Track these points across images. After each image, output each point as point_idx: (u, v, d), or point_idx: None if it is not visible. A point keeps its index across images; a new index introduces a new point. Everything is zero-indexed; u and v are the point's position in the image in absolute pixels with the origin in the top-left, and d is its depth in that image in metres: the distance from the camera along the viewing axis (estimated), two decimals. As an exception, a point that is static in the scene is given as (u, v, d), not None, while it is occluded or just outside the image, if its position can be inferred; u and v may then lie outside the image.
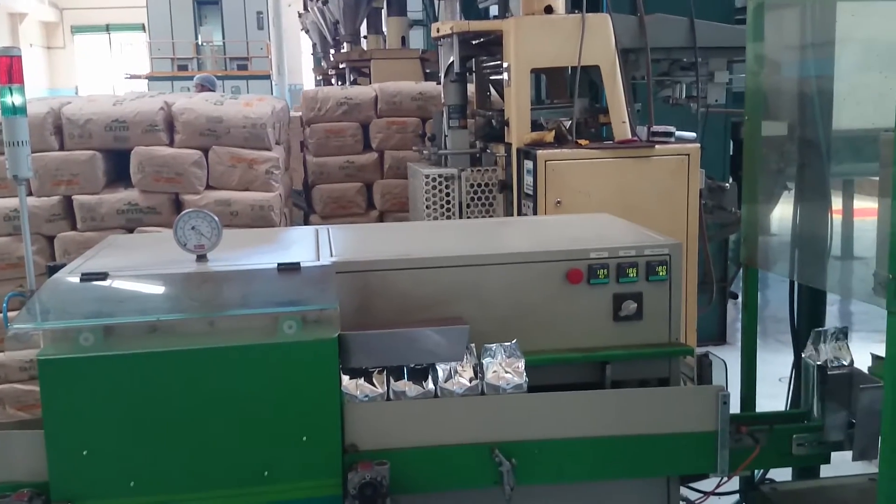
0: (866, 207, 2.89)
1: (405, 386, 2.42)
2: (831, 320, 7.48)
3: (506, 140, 4.96)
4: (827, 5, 2.98)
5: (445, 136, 5.54)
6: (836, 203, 3.01)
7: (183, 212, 2.58)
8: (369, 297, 2.61)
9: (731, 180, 5.46)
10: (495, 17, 7.13)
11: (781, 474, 3.21)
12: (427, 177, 5.27)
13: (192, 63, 25.43)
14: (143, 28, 28.03)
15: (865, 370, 2.73)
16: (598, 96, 5.27)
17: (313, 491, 2.29)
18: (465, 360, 2.47)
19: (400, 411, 2.40)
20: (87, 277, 2.46)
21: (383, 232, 3.81)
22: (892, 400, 2.35)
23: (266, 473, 2.27)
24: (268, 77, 24.42)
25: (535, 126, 4.94)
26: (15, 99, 2.93)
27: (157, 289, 2.49)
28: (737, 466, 2.57)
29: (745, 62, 3.29)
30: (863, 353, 2.86)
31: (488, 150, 5.43)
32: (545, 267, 2.70)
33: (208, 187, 5.26)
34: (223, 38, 26.06)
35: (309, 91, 7.23)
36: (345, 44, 12.82)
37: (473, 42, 5.38)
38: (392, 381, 2.43)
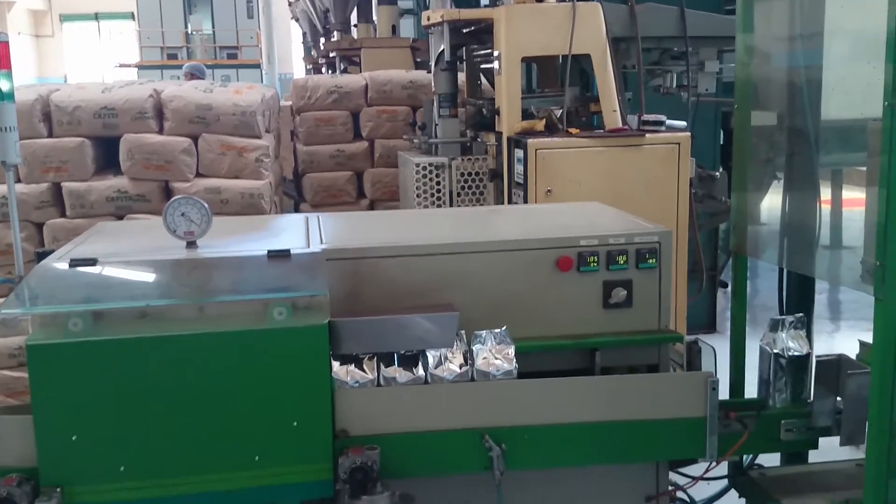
0: (855, 198, 2.90)
1: (395, 372, 2.43)
2: (820, 309, 7.55)
3: (496, 129, 4.96)
4: (816, -5, 2.98)
5: (436, 124, 5.54)
6: (825, 193, 3.03)
7: (172, 198, 2.58)
8: (359, 285, 2.61)
9: (721, 169, 5.48)
10: (486, 6, 7.13)
11: (770, 460, 3.23)
12: (417, 165, 5.26)
13: (181, 52, 25.28)
14: (132, 16, 27.84)
15: (854, 357, 2.75)
16: (588, 85, 5.27)
17: (304, 476, 2.30)
18: (455, 346, 2.47)
19: (390, 397, 2.40)
20: (75, 263, 2.45)
21: (373, 220, 3.81)
22: (879, 386, 2.37)
23: (257, 458, 2.27)
24: (258, 66, 24.30)
25: (526, 115, 4.94)
26: (2, 84, 2.93)
27: (147, 275, 2.48)
28: (725, 452, 2.60)
29: (735, 52, 3.30)
30: (851, 340, 2.87)
31: (479, 139, 5.43)
32: (535, 254, 2.70)
33: (198, 175, 5.24)
34: (213, 26, 25.91)
35: (299, 79, 7.21)
36: (335, 32, 12.78)
37: (464, 30, 5.37)
38: (382, 367, 2.43)
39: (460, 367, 2.44)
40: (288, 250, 2.54)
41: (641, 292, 2.75)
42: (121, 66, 25.66)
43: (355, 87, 6.89)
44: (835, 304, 8.08)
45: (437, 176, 5.27)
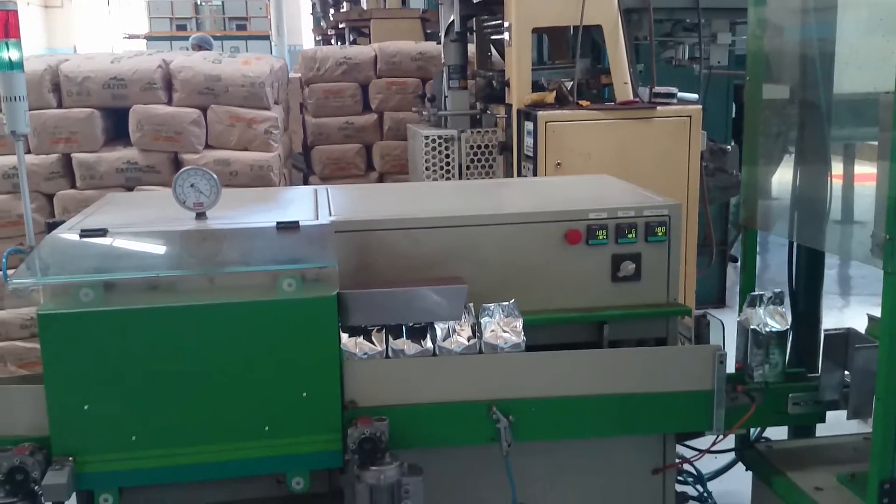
0: (866, 173, 2.88)
1: (404, 344, 2.44)
2: (830, 284, 7.53)
3: (506, 101, 4.93)
4: (830, -34, 2.95)
5: (445, 96, 5.51)
6: (837, 167, 3.01)
7: (182, 169, 2.58)
8: (368, 257, 2.62)
9: (732, 143, 5.44)
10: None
11: (777, 433, 3.24)
12: (427, 138, 5.25)
13: (190, 23, 25.15)
14: (141, -14, 27.68)
15: (862, 331, 2.75)
16: (599, 57, 5.23)
17: (313, 446, 2.32)
18: (463, 319, 2.48)
19: (399, 369, 2.42)
20: (86, 234, 2.46)
21: (382, 192, 3.81)
22: (887, 360, 2.37)
23: (266, 428, 2.29)
24: (267, 37, 24.17)
25: (536, 87, 4.91)
26: (11, 54, 2.92)
27: (157, 246, 2.49)
28: (732, 425, 2.60)
29: (748, 24, 3.26)
30: (861, 316, 2.87)
31: (488, 112, 5.41)
32: (544, 227, 2.70)
33: (207, 147, 5.25)
34: (222, -3, 25.74)
35: (308, 50, 7.18)
36: (344, 3, 12.70)
37: (474, 1, 5.32)
38: (391, 339, 2.44)
39: (468, 339, 2.45)
40: (297, 222, 2.54)
41: (650, 266, 2.74)
42: (130, 36, 25.56)
43: (364, 58, 6.85)
44: (845, 279, 8.06)
45: (447, 149, 5.26)
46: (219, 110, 5.22)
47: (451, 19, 5.24)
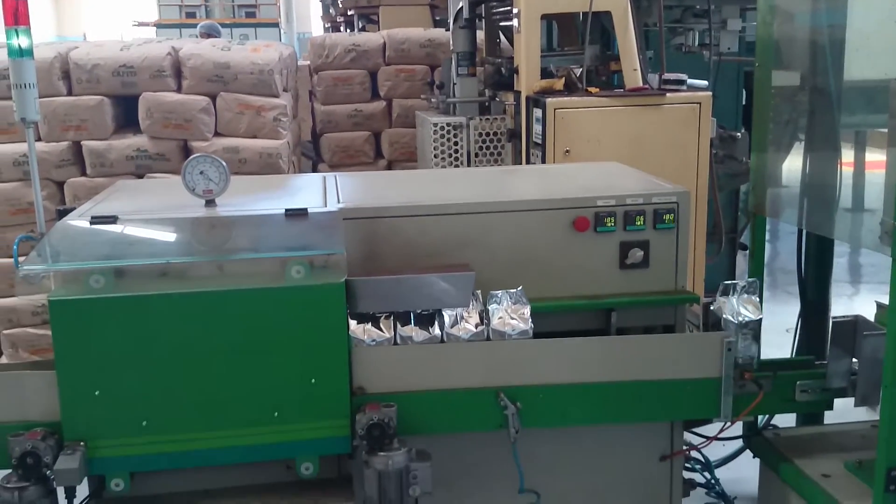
0: (876, 160, 2.87)
1: (412, 331, 2.45)
2: (840, 272, 7.51)
3: (515, 88, 4.91)
4: (841, -49, 2.93)
5: (454, 83, 5.50)
6: (847, 154, 2.99)
7: (191, 157, 2.59)
8: (376, 244, 2.62)
9: (742, 130, 5.41)
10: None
11: (785, 420, 3.25)
12: (435, 125, 5.24)
13: (200, 10, 25.12)
14: (150, -26, 27.63)
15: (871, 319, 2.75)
16: (609, 43, 5.21)
17: (322, 432, 2.33)
18: (471, 306, 2.49)
19: (407, 356, 2.43)
20: (96, 221, 2.47)
21: (390, 179, 3.82)
22: (894, 347, 2.37)
23: (276, 414, 2.30)
24: (276, 25, 24.14)
25: (545, 74, 4.89)
26: (21, 41, 2.93)
27: (167, 233, 2.50)
28: (740, 412, 2.60)
29: (758, 10, 3.25)
30: (871, 304, 2.86)
31: (497, 99, 5.39)
32: (552, 214, 2.70)
33: (216, 134, 5.26)
34: (231, -16, 25.69)
35: (316, 37, 7.17)
36: (353, -10, 12.64)
37: (483, -13, 5.31)
38: (399, 326, 2.45)
39: (476, 326, 2.46)
40: (305, 209, 2.55)
41: (658, 253, 2.74)
42: (139, 24, 25.56)
43: (373, 45, 6.84)
44: (855, 267, 8.03)
45: (455, 136, 5.25)
46: (228, 98, 5.22)
47: (460, 6, 5.22)
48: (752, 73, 3.33)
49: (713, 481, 3.13)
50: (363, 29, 10.59)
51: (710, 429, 2.76)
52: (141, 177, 5.15)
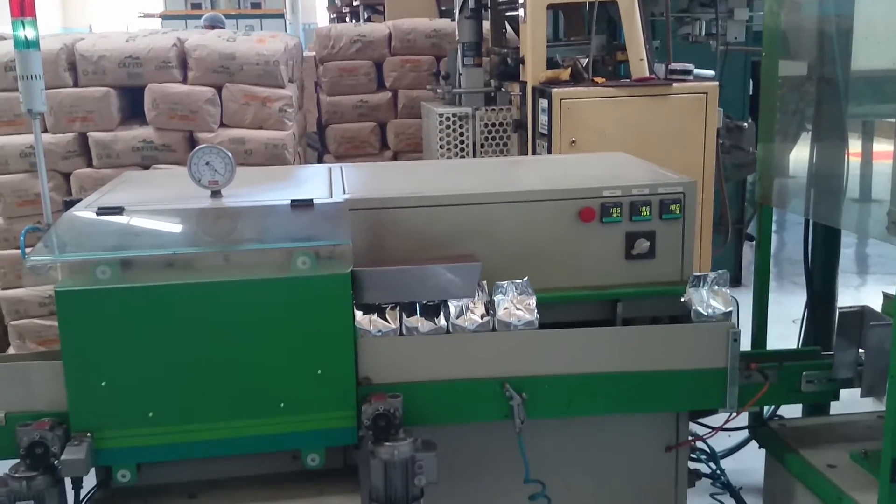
0: (884, 150, 2.86)
1: (417, 322, 2.45)
2: (847, 263, 7.49)
3: (521, 78, 4.91)
4: (849, -60, 2.91)
5: (460, 74, 5.49)
6: (854, 145, 2.98)
7: (197, 147, 2.59)
8: (382, 235, 2.62)
9: (749, 120, 5.40)
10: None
11: (791, 411, 3.24)
12: (441, 116, 5.24)
13: (205, 1, 25.04)
14: (155, -35, 27.59)
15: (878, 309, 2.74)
16: (615, 33, 5.19)
17: (328, 422, 2.33)
18: (476, 296, 2.49)
19: (412, 346, 2.43)
20: (103, 211, 2.48)
21: (396, 170, 3.82)
22: (902, 338, 2.35)
23: (282, 405, 2.31)
24: (281, 16, 24.10)
25: (551, 64, 4.88)
26: (27, 32, 2.93)
27: (173, 223, 2.51)
28: (746, 403, 2.60)
29: (765, -1, 3.23)
30: (878, 295, 2.85)
31: (503, 89, 5.38)
32: (558, 205, 2.69)
33: (222, 125, 5.26)
34: (237, -25, 25.65)
35: (322, 28, 7.17)
36: (359, -20, 12.61)
37: (489, -22, 5.30)
38: (405, 316, 2.45)
39: (482, 317, 2.46)
40: (311, 200, 2.55)
41: (665, 243, 2.74)
42: (144, 15, 25.55)
43: (378, 36, 6.83)
44: (862, 258, 8.01)
45: (461, 127, 5.25)
46: (233, 89, 5.22)
47: (466, -4, 5.21)
48: (759, 62, 3.31)
49: (718, 472, 3.12)
50: (369, 19, 10.58)
51: (716, 419, 2.76)
52: (147, 168, 5.16)
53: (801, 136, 3.24)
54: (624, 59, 4.87)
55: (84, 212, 2.53)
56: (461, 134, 5.25)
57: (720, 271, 2.62)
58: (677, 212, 2.72)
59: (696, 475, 2.91)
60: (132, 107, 5.34)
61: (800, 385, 2.70)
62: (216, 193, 2.61)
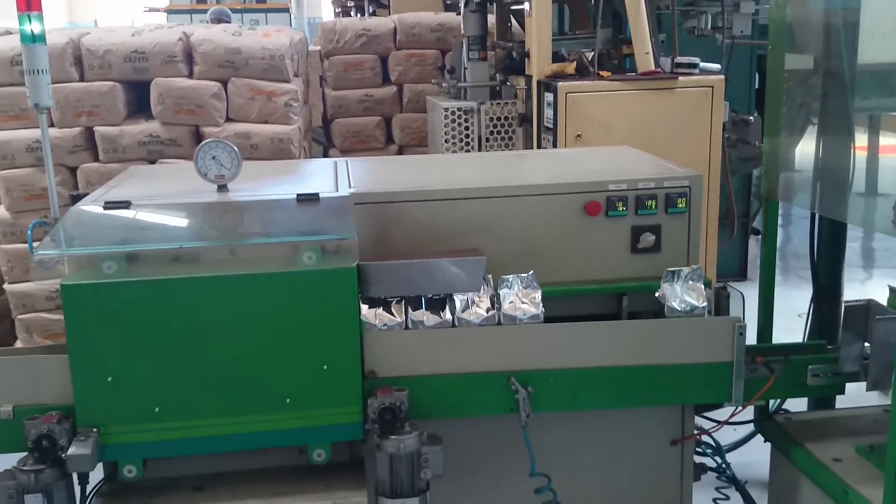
0: (890, 144, 2.85)
1: (423, 316, 2.45)
2: (853, 257, 7.49)
3: (526, 72, 4.90)
4: (856, -68, 2.90)
5: (465, 68, 5.49)
6: (860, 138, 2.98)
7: (203, 142, 2.59)
8: (387, 229, 2.63)
9: (755, 114, 5.38)
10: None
11: (797, 405, 3.24)
12: (446, 110, 5.23)
13: (210, -5, 25.10)
14: (160, -41, 27.59)
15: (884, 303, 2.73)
16: (621, 27, 5.18)
17: (334, 418, 2.34)
18: (482, 290, 2.49)
19: (418, 340, 2.43)
20: (110, 206, 2.49)
21: (402, 164, 3.82)
22: (908, 332, 2.36)
23: (288, 401, 2.31)
24: (286, 10, 24.10)
25: (557, 57, 4.87)
26: (33, 27, 2.94)
27: (179, 218, 2.52)
28: (751, 396, 2.60)
29: (771, -8, 3.22)
30: (883, 288, 2.85)
31: (508, 83, 5.38)
32: (563, 199, 2.70)
33: (228, 120, 5.27)
34: (242, -31, 25.63)
35: (327, 22, 7.16)
36: (364, -25, 12.59)
37: (494, -29, 5.29)
38: (410, 310, 2.45)
39: (487, 311, 2.46)
40: (317, 194, 2.56)
41: (670, 237, 2.74)
42: (150, 9, 25.56)
43: (384, 30, 6.82)
44: (868, 252, 8.00)
45: (466, 121, 5.24)
46: (239, 83, 5.23)
47: (471, -11, 5.20)
48: (765, 56, 3.30)
49: (724, 465, 3.13)
50: (374, 13, 10.55)
51: (722, 413, 2.76)
52: (153, 162, 5.17)
53: (807, 130, 3.23)
54: (629, 52, 4.86)
55: (91, 206, 2.54)
56: (466, 128, 5.24)
57: (694, 266, 2.61)
58: (683, 205, 2.72)
59: (702, 469, 2.92)
60: (138, 101, 5.34)
61: (805, 379, 2.70)
62: (222, 188, 2.62)
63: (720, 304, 2.80)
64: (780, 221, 3.35)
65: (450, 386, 2.44)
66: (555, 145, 4.46)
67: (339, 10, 15.34)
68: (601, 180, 2.72)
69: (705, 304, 2.56)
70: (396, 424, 2.29)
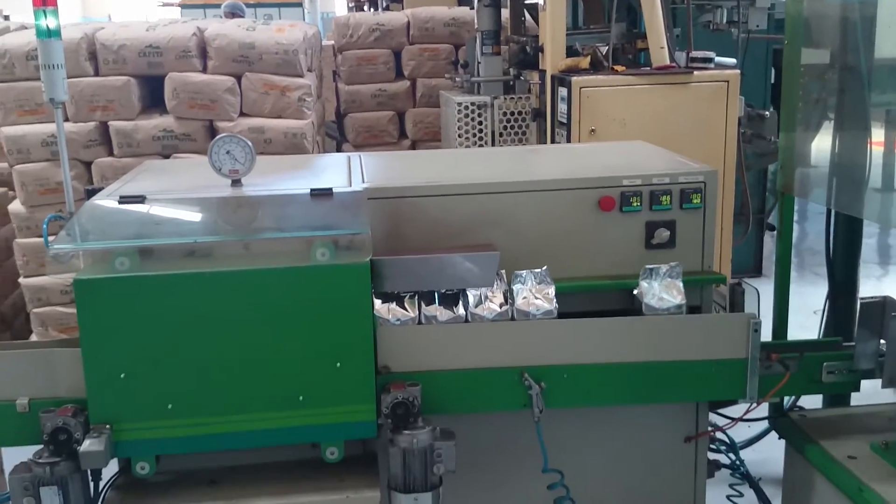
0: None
1: (436, 311, 2.45)
2: (868, 253, 7.43)
3: (540, 67, 4.89)
4: (874, -75, 2.87)
5: (478, 62, 5.48)
6: (877, 134, 2.95)
7: (217, 137, 2.60)
8: (401, 224, 2.62)
9: (770, 109, 5.35)
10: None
11: (811, 402, 3.23)
12: (459, 105, 5.22)
13: (224, -10, 25.16)
14: (175, -46, 27.65)
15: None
16: (636, 21, 5.16)
17: (347, 416, 2.32)
18: (495, 286, 2.48)
19: (431, 335, 2.43)
20: (124, 200, 2.49)
21: (415, 159, 3.82)
22: (925, 329, 2.34)
23: (301, 398, 2.30)
24: (300, 5, 24.11)
25: (571, 52, 4.86)
26: (49, 22, 2.95)
27: (194, 212, 2.52)
28: (766, 393, 2.59)
29: (788, -14, 3.20)
30: (899, 284, 2.83)
31: (522, 78, 5.37)
32: (577, 194, 2.68)
33: (242, 114, 5.28)
34: (255, -36, 25.66)
35: (341, 17, 7.17)
36: (377, -31, 12.59)
37: (508, -34, 5.27)
38: (423, 305, 2.45)
39: (500, 306, 2.46)
40: (330, 189, 2.56)
41: (685, 233, 2.72)
42: (164, 4, 25.63)
43: (397, 24, 6.82)
44: (884, 248, 7.94)
45: (479, 115, 5.23)
46: (253, 78, 5.24)
47: (485, -16, 5.19)
48: (780, 50, 3.28)
49: (738, 462, 3.11)
50: (387, 8, 10.55)
51: (736, 410, 2.75)
52: (167, 157, 5.19)
53: (823, 125, 3.20)
54: (644, 47, 4.84)
55: (106, 200, 2.55)
56: (480, 123, 5.23)
57: (672, 264, 2.59)
58: (698, 201, 2.70)
59: (716, 465, 2.91)
60: (152, 96, 5.36)
61: (821, 376, 2.68)
62: (236, 182, 2.62)
63: (735, 300, 2.79)
64: (795, 217, 3.33)
65: (463, 381, 2.43)
66: (569, 140, 4.45)
67: (353, 4, 15.35)
68: (615, 175, 2.71)
69: (684, 301, 2.54)
70: (409, 419, 2.29)
